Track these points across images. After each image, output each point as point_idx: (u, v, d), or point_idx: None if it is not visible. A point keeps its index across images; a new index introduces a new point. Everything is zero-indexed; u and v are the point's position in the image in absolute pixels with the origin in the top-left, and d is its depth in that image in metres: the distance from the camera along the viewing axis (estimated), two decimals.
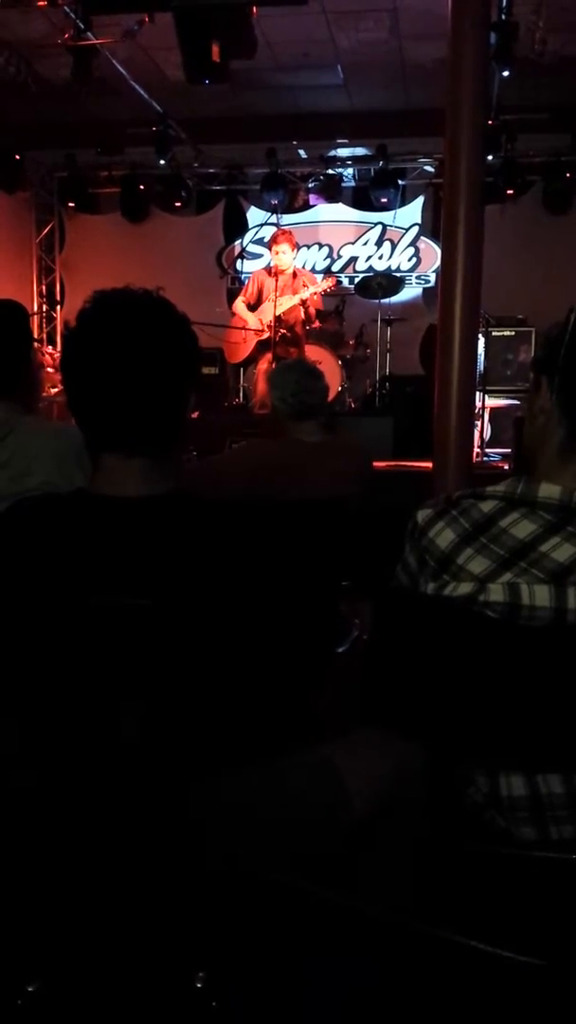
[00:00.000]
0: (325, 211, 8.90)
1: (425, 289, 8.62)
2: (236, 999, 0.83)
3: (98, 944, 0.94)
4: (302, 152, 8.60)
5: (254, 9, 5.54)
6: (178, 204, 8.87)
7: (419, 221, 8.72)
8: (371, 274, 8.22)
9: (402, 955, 0.88)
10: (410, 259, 8.75)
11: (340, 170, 8.71)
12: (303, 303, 6.61)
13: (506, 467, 5.85)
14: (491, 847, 1.32)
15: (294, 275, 6.70)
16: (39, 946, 0.96)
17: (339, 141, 8.46)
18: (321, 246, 8.87)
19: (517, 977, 0.85)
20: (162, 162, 8.20)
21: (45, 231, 9.47)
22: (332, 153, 8.61)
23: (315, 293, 6.63)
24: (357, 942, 0.89)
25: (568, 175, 8.12)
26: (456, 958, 0.86)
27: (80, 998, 0.91)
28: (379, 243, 8.81)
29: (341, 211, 8.88)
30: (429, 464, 4.35)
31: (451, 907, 1.25)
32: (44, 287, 9.54)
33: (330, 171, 8.62)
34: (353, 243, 8.86)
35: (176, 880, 0.96)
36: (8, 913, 1.00)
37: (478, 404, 5.87)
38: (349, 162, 8.73)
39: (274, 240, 6.70)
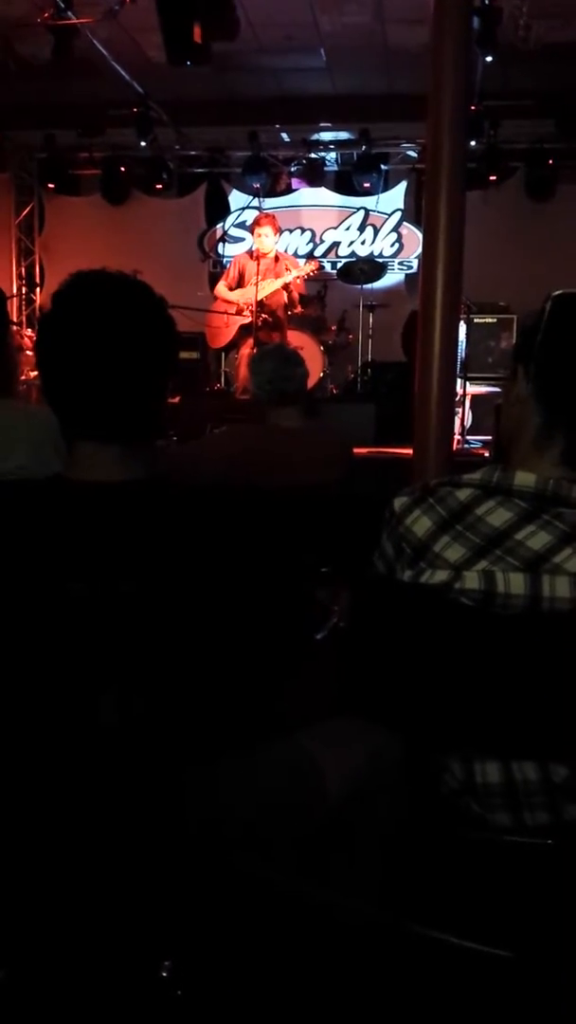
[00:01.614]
0: (308, 195, 8.85)
1: (407, 275, 8.60)
2: (206, 988, 0.83)
3: (65, 933, 0.94)
4: (285, 135, 8.54)
5: None
6: (159, 187, 8.80)
7: (402, 206, 8.69)
8: (353, 259, 8.19)
9: (375, 947, 0.88)
10: (392, 244, 8.72)
11: (323, 154, 8.67)
12: (285, 287, 6.58)
13: (487, 454, 5.86)
14: (466, 832, 1.33)
15: (276, 259, 6.67)
16: (4, 935, 0.95)
17: (322, 125, 8.41)
18: (303, 230, 8.83)
19: (488, 967, 0.85)
20: (143, 144, 8.12)
21: (24, 212, 9.37)
22: (315, 137, 8.56)
23: (298, 277, 6.60)
24: (330, 934, 0.90)
25: (551, 162, 8.12)
26: (428, 950, 0.86)
27: (45, 987, 0.91)
28: (361, 228, 8.77)
29: (324, 195, 8.84)
30: (411, 451, 4.34)
31: (427, 892, 1.26)
32: (23, 269, 9.44)
33: (313, 155, 8.57)
34: (335, 228, 8.82)
35: (146, 868, 0.96)
36: None
37: (459, 391, 5.87)
38: (332, 146, 8.68)
39: (256, 223, 6.66)
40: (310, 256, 8.37)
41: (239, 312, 6.62)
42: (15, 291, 9.15)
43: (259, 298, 6.43)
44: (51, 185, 9.05)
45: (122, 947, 0.89)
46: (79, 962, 0.92)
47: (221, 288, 6.85)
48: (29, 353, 6.01)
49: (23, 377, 5.40)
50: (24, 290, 9.37)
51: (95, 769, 1.12)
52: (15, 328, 7.99)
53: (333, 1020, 0.81)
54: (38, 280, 9.41)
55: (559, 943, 1.15)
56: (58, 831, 1.05)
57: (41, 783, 1.11)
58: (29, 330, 7.38)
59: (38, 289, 9.37)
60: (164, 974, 0.80)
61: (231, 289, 6.76)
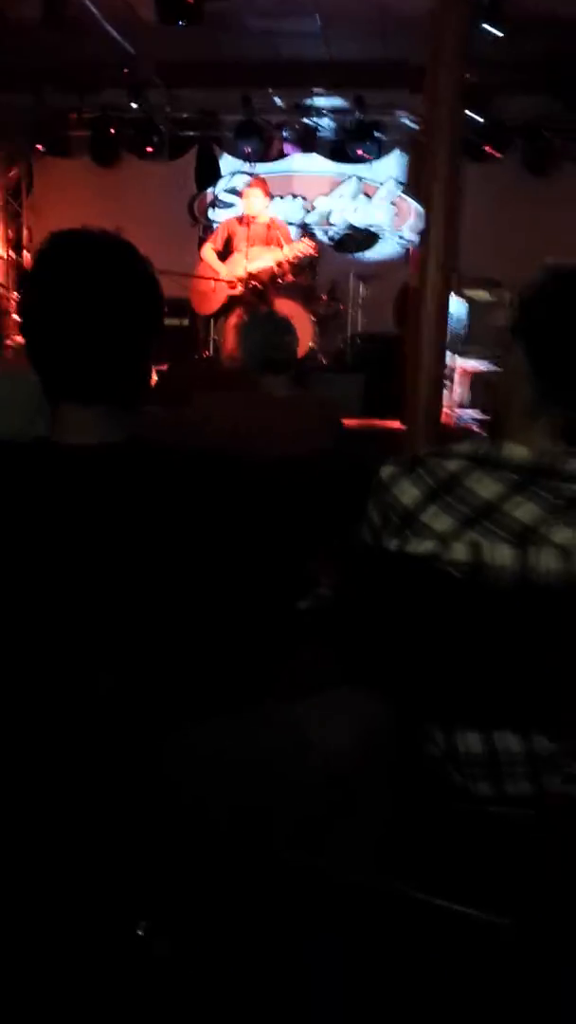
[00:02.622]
0: (300, 161, 8.74)
1: (400, 245, 8.54)
2: (193, 953, 0.83)
3: (44, 891, 0.94)
4: (278, 100, 8.43)
5: None
6: (150, 149, 8.66)
7: (396, 175, 8.61)
8: (346, 228, 8.12)
9: (368, 914, 0.89)
10: (385, 214, 8.65)
11: (316, 120, 8.56)
12: (276, 261, 6.49)
13: (476, 429, 5.86)
14: (449, 801, 1.33)
15: (268, 225, 6.58)
16: None
17: (316, 90, 8.30)
18: (295, 197, 8.74)
19: (479, 933, 0.86)
20: (134, 105, 8.00)
21: (12, 174, 9.23)
22: (308, 102, 8.46)
23: (288, 259, 6.47)
24: (324, 902, 0.90)
25: (549, 136, 8.05)
26: (420, 915, 0.87)
27: (23, 945, 0.91)
28: (355, 196, 8.69)
29: (317, 162, 8.73)
30: (398, 423, 4.34)
31: (412, 861, 1.27)
32: (11, 232, 9.31)
33: (306, 120, 8.47)
34: (328, 195, 8.73)
35: (131, 829, 0.96)
36: None
37: (453, 366, 5.86)
38: (326, 112, 8.57)
39: (248, 187, 6.57)
40: (303, 224, 8.28)
41: (230, 287, 6.53)
42: (2, 254, 9.04)
43: (250, 270, 6.35)
44: (39, 146, 8.91)
45: (104, 908, 0.90)
46: (60, 921, 0.92)
47: (207, 252, 6.75)
48: (16, 317, 5.95)
49: (8, 342, 5.35)
50: (11, 254, 9.25)
51: (84, 733, 1.12)
52: (1, 291, 7.91)
53: (326, 985, 0.82)
54: (25, 243, 9.29)
55: (539, 910, 1.16)
56: (47, 792, 1.05)
57: (33, 746, 1.11)
58: (15, 293, 7.29)
59: (25, 252, 9.25)
60: (141, 933, 0.80)
61: (218, 253, 6.66)
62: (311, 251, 6.56)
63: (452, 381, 6.18)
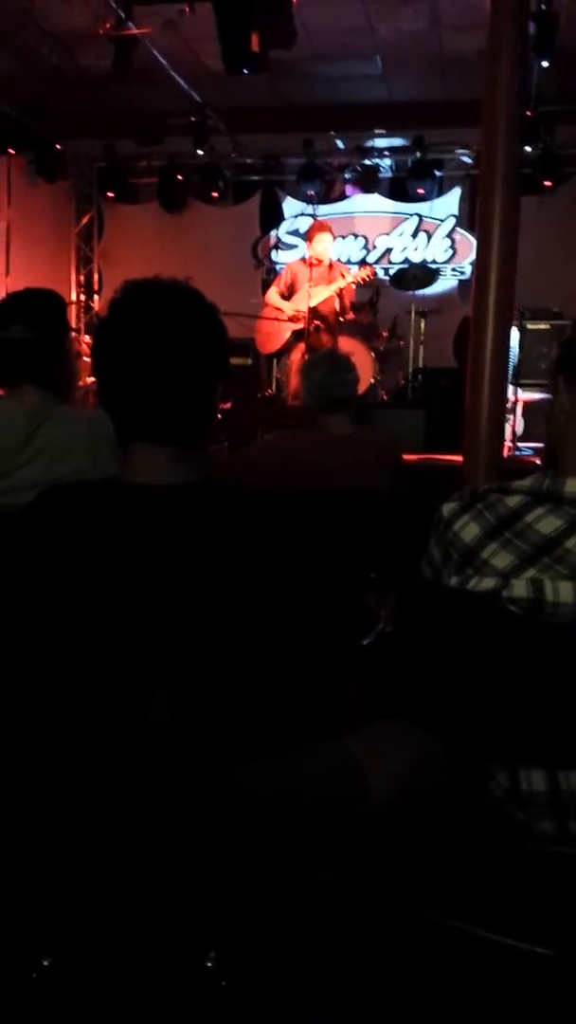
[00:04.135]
0: (361, 202, 8.86)
1: (460, 281, 8.56)
2: (246, 980, 0.84)
3: (112, 922, 0.96)
4: (339, 142, 8.57)
5: None
6: (215, 194, 8.89)
7: (455, 212, 8.66)
8: (406, 265, 8.18)
9: (416, 945, 0.89)
10: (446, 251, 8.69)
11: (377, 160, 8.67)
12: (338, 293, 6.59)
13: (538, 461, 5.80)
14: (510, 840, 1.32)
15: (330, 267, 6.68)
16: (54, 922, 0.98)
17: (376, 131, 8.42)
18: (357, 237, 8.84)
19: (529, 967, 0.86)
20: (200, 152, 8.22)
21: (84, 221, 9.54)
22: (369, 143, 8.58)
23: (351, 283, 6.60)
24: (372, 932, 0.91)
25: None
26: (469, 949, 0.87)
27: (92, 974, 0.93)
28: (415, 234, 8.75)
29: (377, 202, 8.84)
30: (460, 458, 4.33)
31: (468, 899, 1.26)
32: (82, 276, 9.61)
33: (367, 161, 8.59)
34: (389, 234, 8.82)
35: (192, 862, 0.98)
36: (24, 889, 1.03)
37: (511, 398, 5.83)
38: (386, 152, 8.68)
39: (316, 229, 6.68)
40: (363, 262, 8.37)
41: (291, 320, 6.64)
42: (73, 298, 9.31)
43: (311, 305, 6.45)
44: (110, 193, 9.20)
45: (168, 938, 0.91)
46: (125, 950, 0.94)
47: (272, 295, 6.87)
48: (87, 359, 6.12)
49: (81, 383, 5.51)
50: (83, 297, 9.52)
51: (141, 764, 1.14)
52: (74, 335, 8.14)
53: (368, 1013, 0.83)
54: (96, 287, 9.56)
55: None
56: (107, 823, 1.07)
57: (92, 777, 1.14)
58: (87, 337, 7.49)
59: (96, 296, 9.52)
60: (209, 964, 0.82)
61: (283, 296, 6.78)
62: (367, 276, 6.64)
63: (512, 414, 6.15)
